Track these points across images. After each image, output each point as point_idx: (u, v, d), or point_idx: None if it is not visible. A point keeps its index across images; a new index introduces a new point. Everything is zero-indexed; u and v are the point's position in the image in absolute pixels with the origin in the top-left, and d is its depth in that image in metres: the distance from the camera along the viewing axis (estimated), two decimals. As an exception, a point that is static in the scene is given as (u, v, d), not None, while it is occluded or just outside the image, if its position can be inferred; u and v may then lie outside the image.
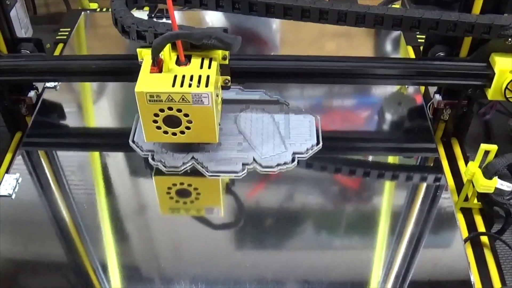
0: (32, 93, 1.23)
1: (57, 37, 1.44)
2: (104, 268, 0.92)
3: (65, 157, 1.13)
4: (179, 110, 0.97)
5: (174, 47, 1.00)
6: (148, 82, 0.96)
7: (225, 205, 1.04)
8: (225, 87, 1.08)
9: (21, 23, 1.29)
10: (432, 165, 1.13)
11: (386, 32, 1.48)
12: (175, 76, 0.97)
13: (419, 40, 1.41)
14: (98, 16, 1.58)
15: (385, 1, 1.37)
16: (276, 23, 1.52)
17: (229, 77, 1.06)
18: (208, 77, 0.97)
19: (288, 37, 1.50)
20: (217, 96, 1.01)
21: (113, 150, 1.14)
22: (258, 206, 1.03)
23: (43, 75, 1.15)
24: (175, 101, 0.95)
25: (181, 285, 0.88)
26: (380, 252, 0.95)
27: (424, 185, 1.07)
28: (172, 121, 0.99)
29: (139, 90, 0.95)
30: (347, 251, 0.98)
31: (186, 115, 0.98)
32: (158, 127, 1.00)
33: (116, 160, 1.13)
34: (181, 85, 0.96)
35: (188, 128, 1.00)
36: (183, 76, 0.97)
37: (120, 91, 1.27)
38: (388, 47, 1.47)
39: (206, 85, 0.96)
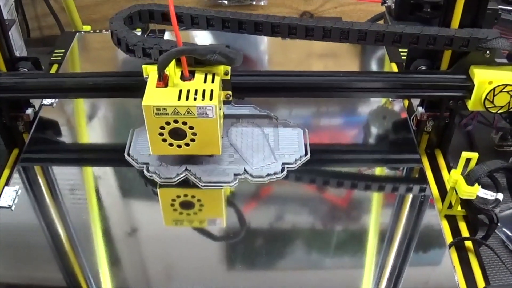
0: (29, 111, 1.25)
1: (51, 58, 1.47)
2: (97, 279, 0.94)
3: (61, 172, 1.15)
4: (184, 123, 1.00)
5: (178, 64, 1.03)
6: (154, 96, 1.00)
7: (222, 218, 1.07)
8: (226, 102, 1.11)
9: (15, 45, 1.32)
10: (416, 175, 1.16)
11: (371, 51, 1.53)
12: (180, 90, 1.01)
13: (402, 58, 1.45)
14: (92, 37, 1.61)
15: (370, 19, 1.41)
16: (264, 44, 1.56)
17: (230, 92, 1.10)
18: (212, 91, 1.01)
19: (276, 57, 1.54)
20: (220, 109, 1.04)
21: (108, 165, 1.17)
22: (249, 221, 1.06)
23: (41, 92, 1.18)
24: (181, 114, 0.99)
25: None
26: (370, 261, 0.98)
27: (409, 195, 1.11)
28: (177, 134, 1.02)
29: (147, 103, 0.98)
30: (335, 262, 1.00)
31: (191, 127, 1.01)
32: (164, 140, 1.03)
33: (111, 174, 1.15)
34: (187, 99, 0.99)
35: (193, 140, 1.03)
36: (188, 91, 1.01)
37: (114, 108, 1.30)
38: (373, 65, 1.51)
39: (211, 98, 0.99)
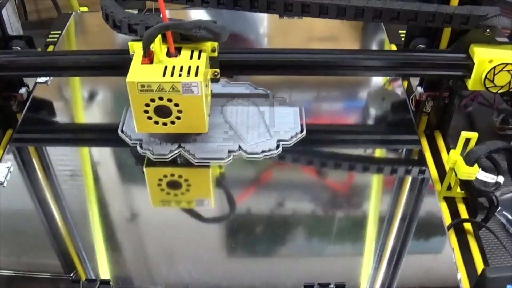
0: (23, 90, 1.25)
1: (47, 40, 1.45)
2: (91, 257, 0.93)
3: (55, 152, 1.14)
4: (169, 100, 0.99)
5: (164, 40, 1.02)
6: (139, 72, 0.98)
7: (215, 198, 1.05)
8: (214, 80, 1.10)
9: (12, 27, 1.30)
10: (415, 157, 1.14)
11: (371, 34, 1.51)
12: (166, 67, 0.99)
13: (402, 39, 1.43)
14: (88, 17, 1.60)
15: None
16: (263, 27, 1.54)
17: (218, 70, 1.08)
18: (197, 67, 0.99)
19: (275, 41, 1.52)
20: (206, 87, 1.02)
21: (102, 142, 1.16)
22: (243, 203, 1.04)
23: (34, 70, 1.17)
24: (166, 91, 0.98)
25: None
26: (370, 244, 0.96)
27: (408, 177, 1.09)
28: (162, 111, 1.01)
29: (131, 80, 0.97)
30: (334, 247, 0.98)
31: (176, 104, 1.00)
32: (149, 118, 1.01)
33: (105, 154, 1.15)
34: (172, 75, 0.98)
35: (178, 118, 1.02)
36: (173, 67, 0.99)
37: (109, 87, 1.29)
38: (373, 47, 1.49)
39: (196, 75, 0.98)
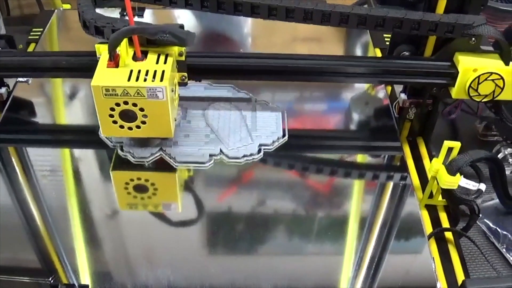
0: (3, 90, 1.23)
1: (29, 37, 1.43)
2: (70, 261, 0.92)
3: (35, 152, 1.13)
4: (134, 105, 0.98)
5: (131, 43, 1.01)
6: (104, 76, 0.98)
7: (190, 201, 1.04)
8: (182, 84, 1.09)
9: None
10: (397, 164, 1.14)
11: (355, 36, 1.51)
12: (131, 71, 0.99)
13: (386, 43, 1.42)
14: (71, 14, 1.57)
15: (355, 3, 1.39)
16: (247, 27, 1.53)
17: (186, 74, 1.07)
18: (163, 72, 0.99)
19: (259, 41, 1.51)
20: (172, 91, 1.02)
21: (83, 144, 1.15)
22: (228, 206, 1.04)
23: (13, 71, 1.16)
24: (131, 95, 0.97)
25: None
26: (349, 252, 0.96)
27: (389, 183, 1.09)
28: (128, 116, 1.00)
29: (95, 84, 0.96)
30: (311, 249, 0.98)
31: (141, 109, 0.99)
32: (114, 122, 1.01)
33: (85, 155, 1.13)
34: (137, 79, 0.97)
35: (143, 122, 1.01)
36: (139, 71, 0.99)
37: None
38: (358, 50, 1.49)
39: (161, 80, 0.97)
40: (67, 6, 1.70)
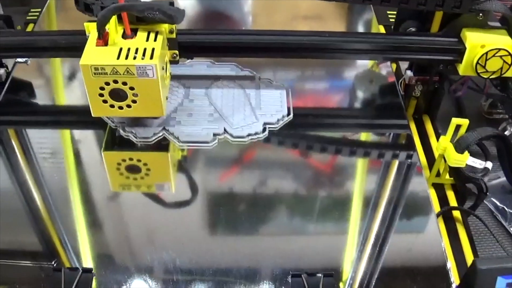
0: (1, 71, 1.21)
1: (27, 18, 1.42)
2: (73, 244, 0.91)
3: (35, 134, 1.11)
4: (124, 83, 0.96)
5: (120, 21, 0.99)
6: (93, 55, 0.96)
7: (193, 182, 1.03)
8: (173, 62, 1.07)
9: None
10: (404, 142, 1.12)
11: (358, 13, 1.49)
12: (121, 49, 0.97)
13: (391, 20, 1.41)
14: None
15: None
16: (247, 5, 1.51)
17: (177, 51, 1.06)
18: (153, 49, 0.97)
19: (260, 20, 1.49)
20: (163, 69, 1.00)
21: (83, 127, 1.13)
22: (230, 185, 1.02)
23: (12, 51, 1.13)
24: (120, 74, 0.95)
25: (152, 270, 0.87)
26: (354, 230, 0.94)
27: (396, 161, 1.07)
28: (118, 95, 0.98)
29: (84, 63, 0.94)
30: (320, 232, 0.97)
31: (131, 88, 0.97)
32: (105, 101, 0.99)
33: (86, 136, 1.12)
34: (126, 58, 0.95)
35: (134, 101, 0.99)
36: (128, 49, 0.97)
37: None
38: (361, 28, 1.47)
39: (151, 57, 0.95)
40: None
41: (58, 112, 1.19)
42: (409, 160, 1.07)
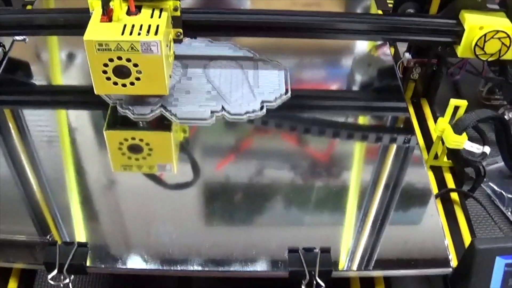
0: (-2, 49, 1.20)
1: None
2: (67, 220, 0.91)
3: (32, 114, 1.11)
4: (128, 60, 0.96)
5: None
6: (97, 31, 0.95)
7: (188, 163, 1.03)
8: (177, 40, 1.07)
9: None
10: (403, 124, 1.12)
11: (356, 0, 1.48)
12: (125, 25, 0.97)
13: (389, 5, 1.40)
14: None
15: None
16: (246, -8, 1.51)
17: (181, 30, 1.06)
18: (157, 26, 0.97)
19: (259, 6, 1.48)
20: (167, 46, 1.00)
21: (81, 107, 1.13)
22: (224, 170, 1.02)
23: (10, 29, 1.13)
24: (124, 50, 0.95)
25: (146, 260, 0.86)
26: (352, 209, 0.94)
27: (394, 144, 1.07)
28: (121, 72, 0.98)
29: (88, 38, 0.94)
30: (318, 214, 0.96)
31: (135, 65, 0.97)
32: (108, 78, 0.98)
33: (83, 116, 1.12)
34: (130, 34, 0.95)
35: (138, 79, 0.99)
36: (133, 26, 0.97)
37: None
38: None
39: (156, 34, 0.95)
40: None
41: (55, 92, 1.18)
42: (409, 143, 1.07)
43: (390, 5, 1.39)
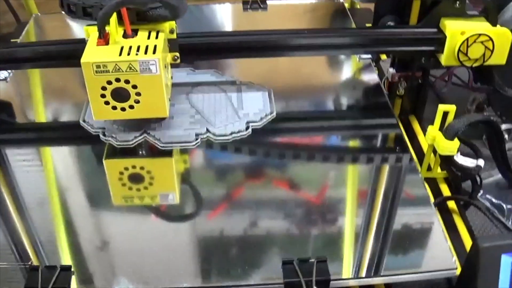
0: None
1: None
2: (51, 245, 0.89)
3: (15, 153, 1.09)
4: (127, 81, 0.95)
5: (120, 22, 0.99)
6: (94, 53, 0.95)
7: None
8: (174, 65, 1.06)
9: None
10: (395, 141, 1.11)
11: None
12: (122, 47, 0.96)
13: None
14: (49, 19, 1.55)
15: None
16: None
17: (178, 53, 1.05)
18: (155, 46, 0.96)
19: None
20: (165, 68, 0.99)
21: (64, 143, 1.12)
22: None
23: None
24: (123, 71, 0.94)
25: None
26: (350, 222, 0.93)
27: (391, 161, 1.05)
28: (120, 95, 0.96)
29: (85, 60, 0.93)
30: (316, 232, 0.93)
31: (134, 86, 0.96)
32: (107, 102, 0.97)
33: (67, 150, 1.11)
34: (128, 54, 0.94)
35: (137, 101, 0.97)
36: (130, 47, 0.96)
37: (70, 80, 1.25)
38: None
39: (154, 52, 0.95)
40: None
41: (38, 128, 1.17)
42: (402, 157, 1.05)
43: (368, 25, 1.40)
